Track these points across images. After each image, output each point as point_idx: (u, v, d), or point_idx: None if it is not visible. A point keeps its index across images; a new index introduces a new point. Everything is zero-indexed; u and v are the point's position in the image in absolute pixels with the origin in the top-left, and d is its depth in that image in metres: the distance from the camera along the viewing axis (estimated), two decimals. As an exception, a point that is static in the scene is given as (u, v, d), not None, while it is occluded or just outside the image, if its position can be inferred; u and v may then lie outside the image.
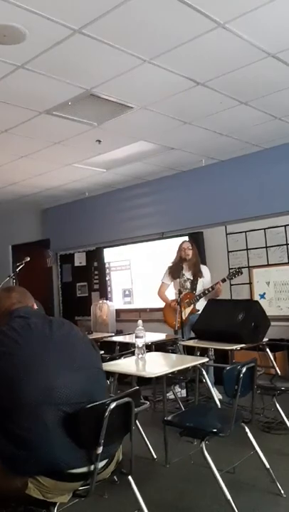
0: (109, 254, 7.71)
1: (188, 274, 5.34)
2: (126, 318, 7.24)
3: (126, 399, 2.05)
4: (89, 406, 1.91)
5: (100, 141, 5.02)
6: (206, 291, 5.16)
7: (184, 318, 5.13)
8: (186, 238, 6.21)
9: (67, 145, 5.13)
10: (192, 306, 5.22)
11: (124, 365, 3.54)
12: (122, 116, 4.34)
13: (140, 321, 3.63)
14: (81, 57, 3.26)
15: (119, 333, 6.36)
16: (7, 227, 9.40)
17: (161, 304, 5.70)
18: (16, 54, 3.14)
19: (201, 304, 5.14)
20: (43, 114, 4.21)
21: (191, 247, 5.38)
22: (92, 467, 1.92)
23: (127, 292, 7.43)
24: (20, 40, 2.96)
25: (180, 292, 5.10)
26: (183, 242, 5.52)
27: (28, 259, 5.63)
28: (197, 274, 5.30)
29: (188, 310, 5.22)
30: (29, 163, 5.71)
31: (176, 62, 3.41)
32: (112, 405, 1.93)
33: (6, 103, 3.95)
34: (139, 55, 3.26)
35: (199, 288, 5.26)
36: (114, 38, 3.05)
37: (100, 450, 1.91)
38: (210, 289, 5.14)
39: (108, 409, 1.92)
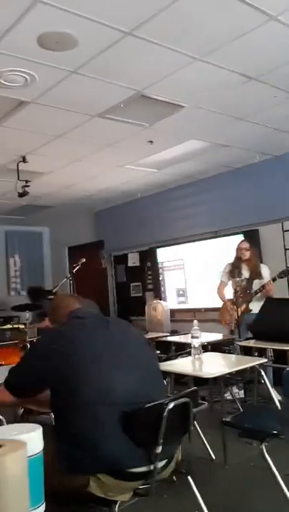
0: (163, 254, 7.72)
1: (245, 274, 5.27)
2: (180, 318, 7.22)
3: (184, 399, 2.04)
4: (147, 406, 1.91)
5: (151, 141, 5.03)
6: (258, 291, 5.08)
7: (237, 317, 5.08)
8: (241, 236, 6.11)
9: (120, 147, 5.19)
10: (245, 305, 5.16)
11: (181, 365, 3.53)
12: (174, 115, 4.33)
13: (196, 321, 3.61)
14: (132, 59, 3.28)
15: (174, 333, 6.36)
16: (63, 230, 9.65)
17: (216, 304, 5.66)
18: (68, 60, 3.21)
19: (254, 305, 5.08)
20: (95, 118, 4.28)
21: (248, 248, 5.32)
22: (152, 467, 1.93)
23: (181, 292, 7.41)
24: (72, 46, 3.02)
25: (236, 291, 5.04)
26: (240, 242, 5.48)
27: (84, 260, 5.75)
28: (254, 274, 5.22)
29: (241, 309, 5.16)
30: (82, 166, 5.82)
31: (228, 59, 3.36)
32: (171, 405, 1.93)
33: (59, 108, 4.04)
34: (190, 53, 3.24)
35: (255, 288, 5.19)
36: (164, 38, 3.04)
37: (159, 450, 1.91)
38: (261, 289, 5.06)
39: (167, 409, 1.92)
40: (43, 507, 1.19)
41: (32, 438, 1.18)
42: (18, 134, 4.61)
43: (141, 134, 4.78)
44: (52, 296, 7.74)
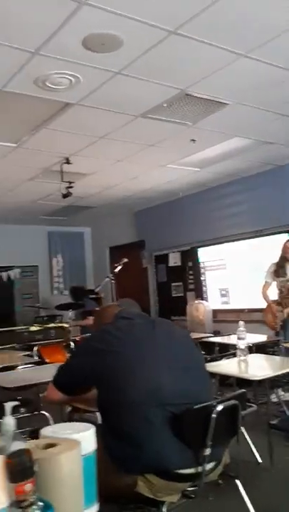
0: (204, 254, 7.66)
1: (291, 273, 5.17)
2: (223, 318, 7.14)
3: (233, 401, 2.01)
4: (196, 407, 1.90)
5: (194, 140, 5.00)
6: None
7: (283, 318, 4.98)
8: (287, 235, 5.97)
9: (162, 146, 5.18)
10: (291, 306, 5.05)
11: (226, 366, 3.49)
12: (217, 113, 4.28)
13: (242, 322, 3.56)
14: (176, 57, 3.26)
15: (216, 333, 6.30)
16: (104, 230, 9.74)
17: (260, 304, 5.56)
18: (113, 61, 3.22)
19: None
20: (138, 118, 4.28)
21: None
22: (200, 468, 1.91)
23: (223, 292, 7.33)
24: (117, 47, 3.03)
25: (281, 292, 4.94)
26: (287, 241, 5.36)
27: (126, 260, 5.77)
28: None
29: (287, 310, 5.04)
30: (125, 166, 5.84)
31: (274, 54, 3.28)
32: (220, 407, 1.91)
33: (103, 109, 4.07)
34: (235, 49, 3.19)
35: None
36: (209, 36, 3.00)
37: (207, 452, 1.89)
38: None
39: (215, 411, 1.90)
40: (96, 506, 1.19)
41: (85, 437, 1.19)
42: (62, 136, 4.67)
43: (184, 132, 4.75)
44: (93, 296, 7.85)
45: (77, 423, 1.36)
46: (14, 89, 3.55)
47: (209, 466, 1.95)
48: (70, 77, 3.41)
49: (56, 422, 3.66)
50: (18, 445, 0.87)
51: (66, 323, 7.02)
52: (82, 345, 2.54)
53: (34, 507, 0.80)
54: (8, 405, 1.15)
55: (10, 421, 1.13)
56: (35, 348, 5.73)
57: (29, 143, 4.79)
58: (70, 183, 5.83)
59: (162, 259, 8.56)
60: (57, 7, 2.60)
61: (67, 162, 5.42)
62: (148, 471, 1.87)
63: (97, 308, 6.54)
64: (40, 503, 0.83)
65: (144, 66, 3.32)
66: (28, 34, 2.85)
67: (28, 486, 0.80)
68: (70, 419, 2.99)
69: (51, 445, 1.10)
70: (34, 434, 1.53)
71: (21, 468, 0.81)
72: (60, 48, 3.02)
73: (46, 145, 4.89)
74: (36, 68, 3.26)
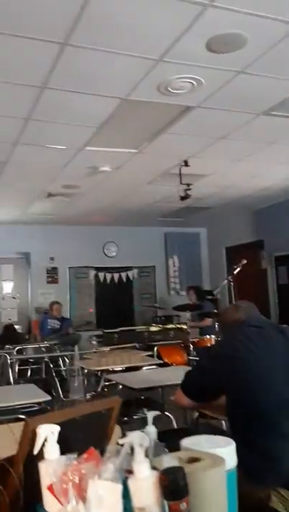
0: None
1: None
2: None
3: None
4: None
5: None
6: None
7: None
8: None
9: (284, 143, 4.96)
10: None
11: None
12: None
13: None
14: (303, 50, 3.10)
15: None
16: (221, 230, 9.63)
17: None
18: (236, 60, 3.15)
19: None
20: (261, 116, 4.15)
21: None
22: None
23: None
24: (241, 46, 2.95)
25: None
26: None
27: (245, 261, 5.63)
28: None
29: None
30: (245, 165, 5.71)
31: None
32: None
33: (223, 110, 4.01)
34: None
35: None
36: None
37: None
38: None
39: None
40: (238, 524, 1.16)
41: (228, 452, 1.17)
42: (182, 139, 4.70)
43: (308, 128, 4.51)
44: (210, 297, 7.80)
45: (216, 436, 1.33)
46: (138, 97, 3.64)
47: None
48: (192, 81, 3.41)
49: (179, 424, 3.70)
50: (169, 461, 0.87)
51: (184, 324, 7.06)
52: (210, 351, 2.53)
53: (189, 527, 0.79)
54: (150, 415, 1.16)
55: (153, 430, 1.15)
56: (155, 349, 5.84)
57: (149, 148, 4.89)
58: (189, 185, 5.83)
59: (283, 260, 8.21)
60: (181, 12, 2.61)
61: (186, 164, 5.44)
62: (281, 484, 1.79)
63: (216, 311, 6.52)
64: (195, 523, 0.82)
65: (268, 62, 3.20)
66: (152, 42, 2.90)
67: (183, 505, 0.80)
68: (196, 425, 2.99)
69: (195, 459, 1.09)
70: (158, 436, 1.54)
71: (175, 486, 0.80)
72: (184, 53, 3.03)
73: (165, 149, 4.96)
74: (159, 75, 3.31)
